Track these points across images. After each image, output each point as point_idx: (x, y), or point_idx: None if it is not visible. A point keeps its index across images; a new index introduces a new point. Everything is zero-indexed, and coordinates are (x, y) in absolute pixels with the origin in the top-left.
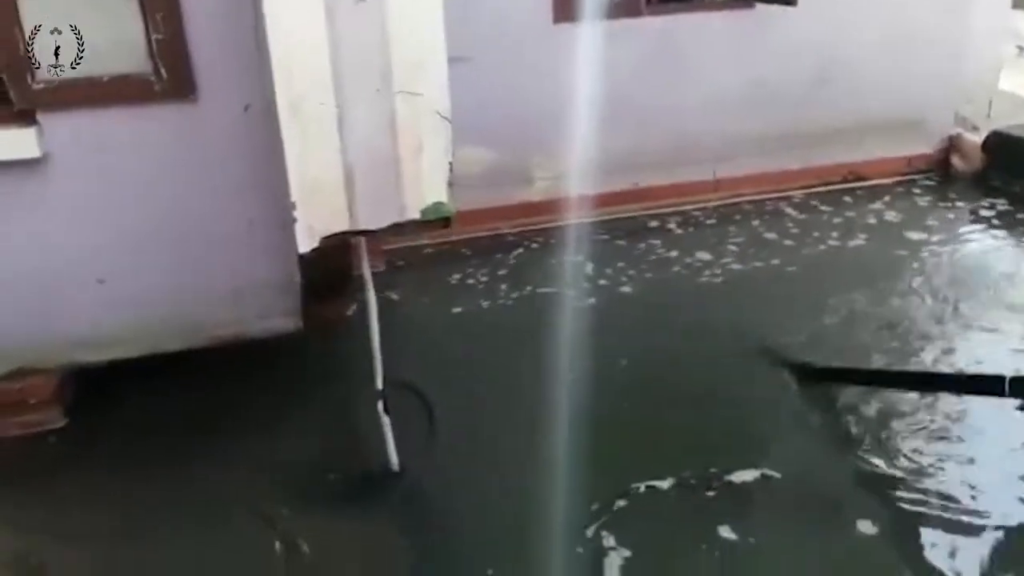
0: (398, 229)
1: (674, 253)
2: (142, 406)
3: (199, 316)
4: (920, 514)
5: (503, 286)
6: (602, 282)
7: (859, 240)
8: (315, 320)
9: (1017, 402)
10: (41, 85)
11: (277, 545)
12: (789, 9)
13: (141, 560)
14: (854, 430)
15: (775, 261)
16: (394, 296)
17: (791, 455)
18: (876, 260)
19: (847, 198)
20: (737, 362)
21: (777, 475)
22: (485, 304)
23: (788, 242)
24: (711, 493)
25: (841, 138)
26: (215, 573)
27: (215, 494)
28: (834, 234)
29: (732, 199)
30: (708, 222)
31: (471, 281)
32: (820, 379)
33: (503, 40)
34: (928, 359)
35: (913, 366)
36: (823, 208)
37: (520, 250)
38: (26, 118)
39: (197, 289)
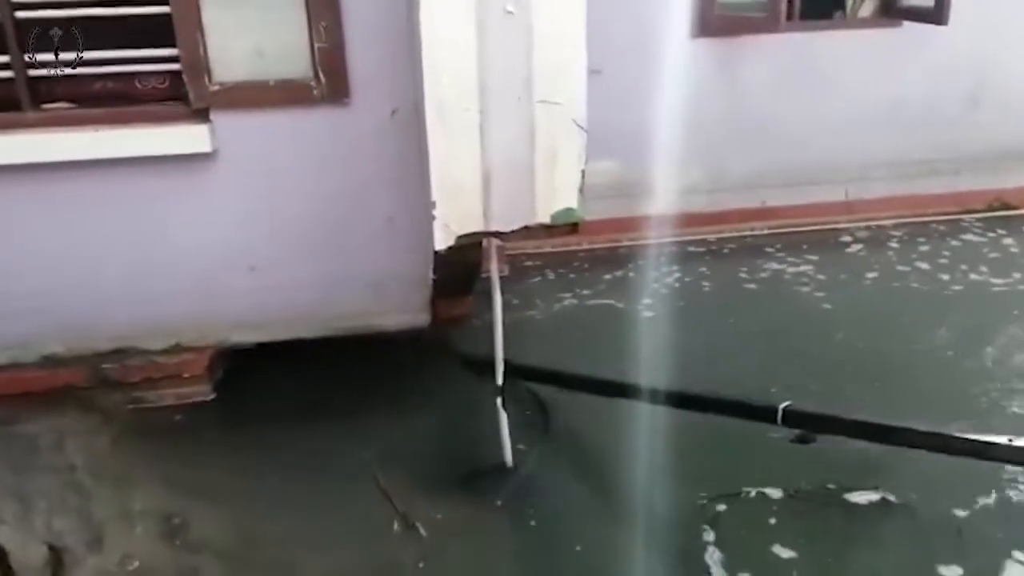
0: (528, 232)
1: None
2: (282, 386)
3: (339, 306)
4: None
5: (621, 296)
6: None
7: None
8: (441, 317)
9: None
10: (216, 87)
11: (395, 525)
12: (940, 28)
13: (271, 525)
14: None
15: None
16: (514, 300)
17: None
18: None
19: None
20: None
21: None
22: (602, 311)
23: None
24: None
25: (988, 164)
26: (336, 543)
27: (341, 471)
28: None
29: (864, 222)
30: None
31: (588, 290)
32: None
33: (640, 53)
34: None
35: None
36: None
37: (640, 262)
38: (201, 116)
39: (339, 281)
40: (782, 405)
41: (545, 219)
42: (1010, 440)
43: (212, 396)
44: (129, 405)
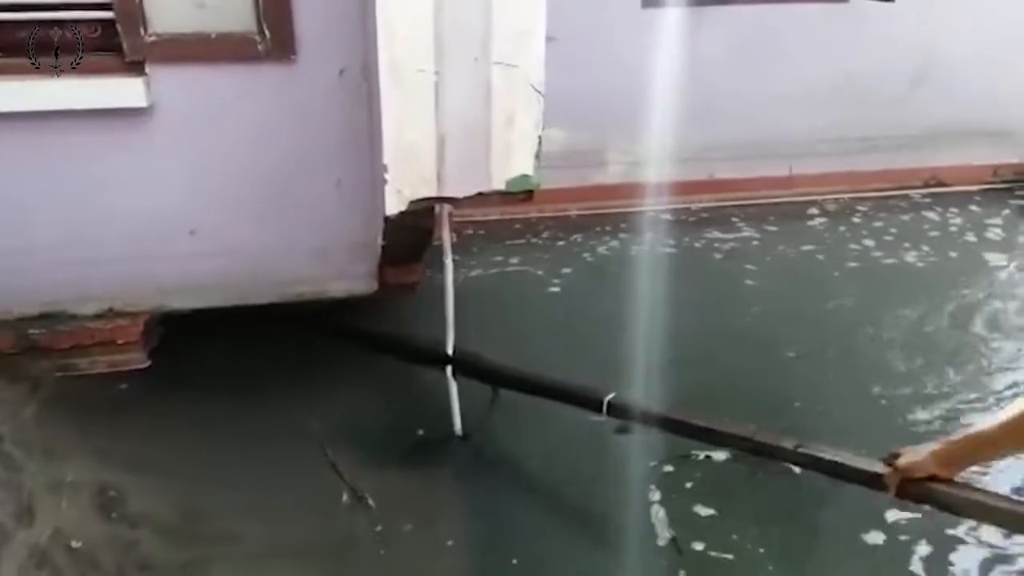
0: (481, 199)
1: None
2: (221, 354)
3: (283, 272)
4: None
5: (567, 265)
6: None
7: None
8: (387, 284)
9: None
10: (152, 38)
11: (344, 496)
12: (886, 5)
13: (214, 498)
14: None
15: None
16: (461, 267)
17: None
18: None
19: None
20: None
21: None
22: (549, 280)
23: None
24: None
25: (927, 142)
26: (285, 515)
27: (285, 442)
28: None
29: (805, 196)
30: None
31: (534, 257)
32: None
33: (591, 22)
34: None
35: None
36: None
37: (588, 232)
38: (136, 69)
39: (283, 246)
40: (607, 397)
41: (500, 186)
42: (796, 447)
43: (147, 364)
44: (58, 373)
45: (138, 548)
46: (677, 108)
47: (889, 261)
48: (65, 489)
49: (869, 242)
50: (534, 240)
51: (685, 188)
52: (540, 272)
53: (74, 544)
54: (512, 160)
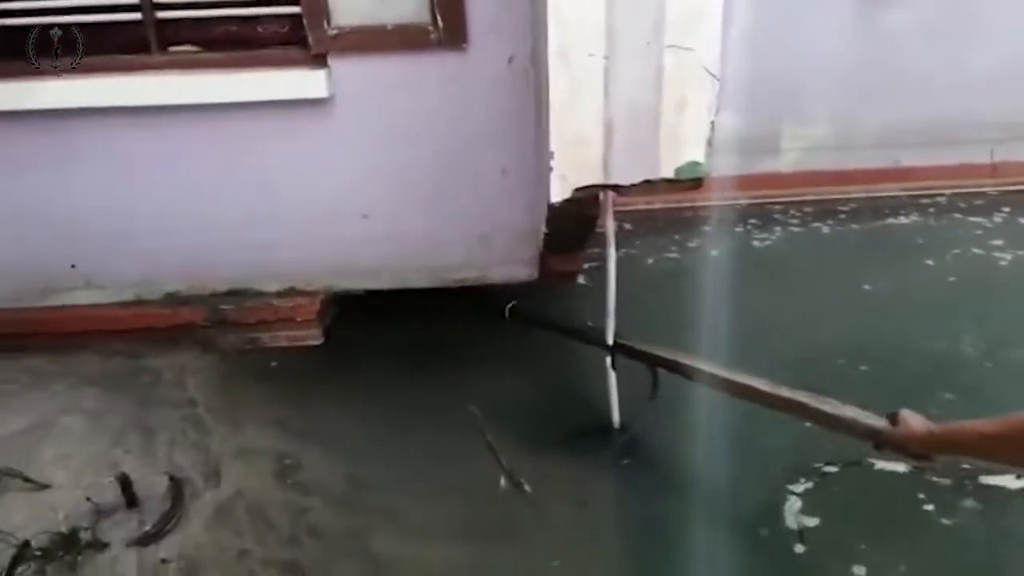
0: (649, 186)
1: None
2: (389, 335)
3: (448, 257)
4: None
5: (733, 254)
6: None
7: None
8: (550, 271)
9: None
10: (335, 31)
11: (502, 480)
12: None
13: (378, 472)
14: None
15: None
16: (624, 256)
17: None
18: None
19: None
20: None
21: None
22: (717, 271)
23: None
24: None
25: None
26: (442, 493)
27: (445, 423)
28: None
29: (1012, 186)
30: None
31: (703, 248)
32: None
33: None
34: None
35: None
36: None
37: (762, 220)
38: (319, 61)
39: (449, 231)
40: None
41: (669, 173)
42: None
43: (321, 341)
44: (245, 345)
45: (309, 514)
46: (859, 90)
47: None
48: (248, 455)
49: None
50: (698, 229)
51: (868, 176)
52: (709, 258)
53: (250, 504)
54: (682, 147)
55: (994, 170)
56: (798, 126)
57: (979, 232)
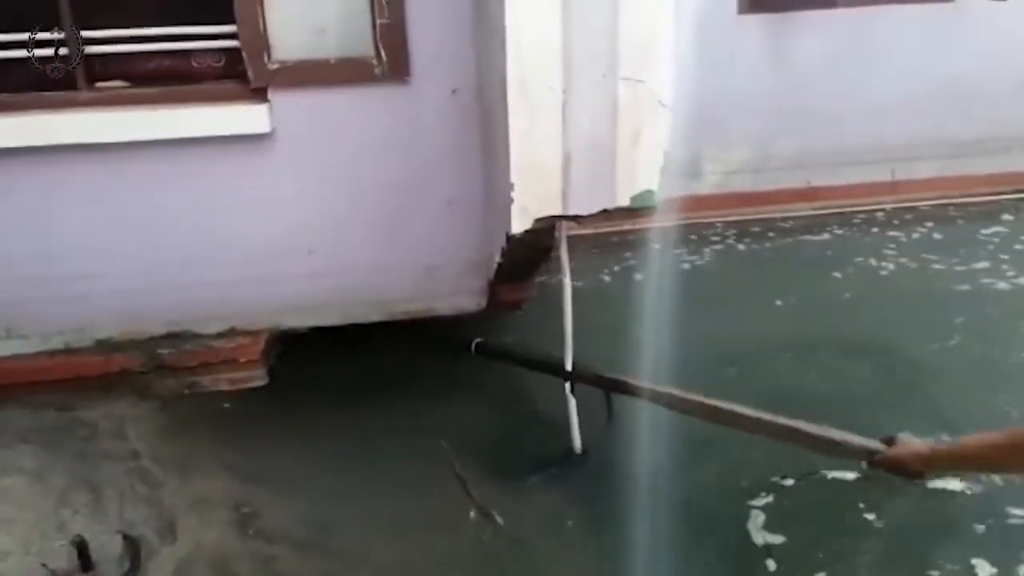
0: (606, 215)
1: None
2: (335, 372)
3: (394, 290)
4: None
5: (664, 274)
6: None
7: None
8: (498, 301)
9: None
10: (276, 65)
11: (472, 513)
12: (996, 5)
13: (341, 512)
14: None
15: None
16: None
17: None
18: None
19: None
20: None
21: None
22: (656, 294)
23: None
24: None
25: None
26: (411, 530)
27: (406, 457)
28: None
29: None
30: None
31: (639, 272)
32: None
33: (684, 30)
34: None
35: None
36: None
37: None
38: (259, 95)
39: (395, 264)
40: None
41: (625, 202)
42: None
43: (266, 381)
44: (185, 390)
45: (275, 564)
46: (773, 115)
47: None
48: (202, 505)
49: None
50: (629, 252)
51: (781, 197)
52: (639, 280)
53: (213, 558)
54: (637, 176)
55: (895, 187)
56: (718, 151)
57: (886, 245)
